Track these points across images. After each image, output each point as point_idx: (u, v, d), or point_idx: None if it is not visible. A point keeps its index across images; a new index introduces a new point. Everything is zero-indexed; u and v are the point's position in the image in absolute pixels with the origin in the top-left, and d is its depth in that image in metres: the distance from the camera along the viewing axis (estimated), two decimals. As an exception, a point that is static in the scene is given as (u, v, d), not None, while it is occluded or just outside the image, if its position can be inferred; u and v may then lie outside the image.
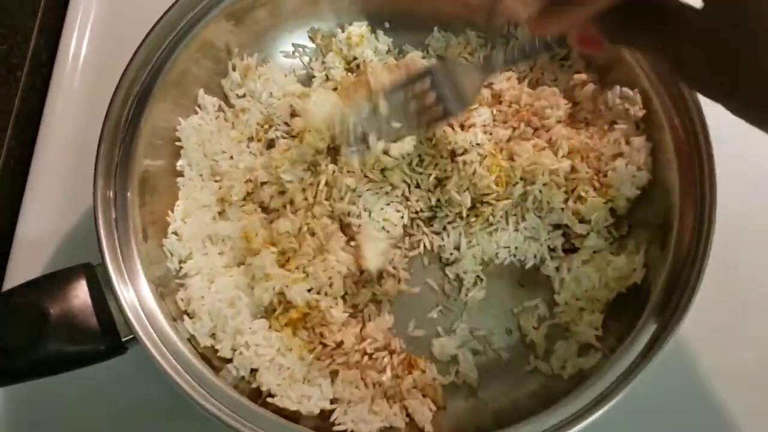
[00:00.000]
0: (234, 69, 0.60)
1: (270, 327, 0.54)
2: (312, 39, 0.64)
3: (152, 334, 0.48)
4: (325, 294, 0.55)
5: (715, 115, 0.49)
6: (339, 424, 0.50)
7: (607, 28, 0.37)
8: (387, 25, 0.63)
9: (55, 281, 0.48)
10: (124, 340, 0.48)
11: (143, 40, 0.53)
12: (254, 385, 0.51)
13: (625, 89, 0.55)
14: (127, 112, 0.52)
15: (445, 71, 0.50)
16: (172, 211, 0.55)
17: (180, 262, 0.54)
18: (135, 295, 0.48)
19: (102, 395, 0.56)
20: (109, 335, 0.47)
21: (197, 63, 0.57)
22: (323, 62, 0.63)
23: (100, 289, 0.48)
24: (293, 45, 0.64)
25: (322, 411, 0.51)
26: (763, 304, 0.58)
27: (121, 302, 0.47)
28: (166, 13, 0.54)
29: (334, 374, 0.53)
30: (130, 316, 0.47)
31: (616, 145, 0.55)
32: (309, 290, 0.54)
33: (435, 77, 0.50)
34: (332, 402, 0.52)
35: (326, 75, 0.63)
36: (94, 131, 0.51)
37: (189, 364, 0.48)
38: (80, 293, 0.48)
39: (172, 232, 0.55)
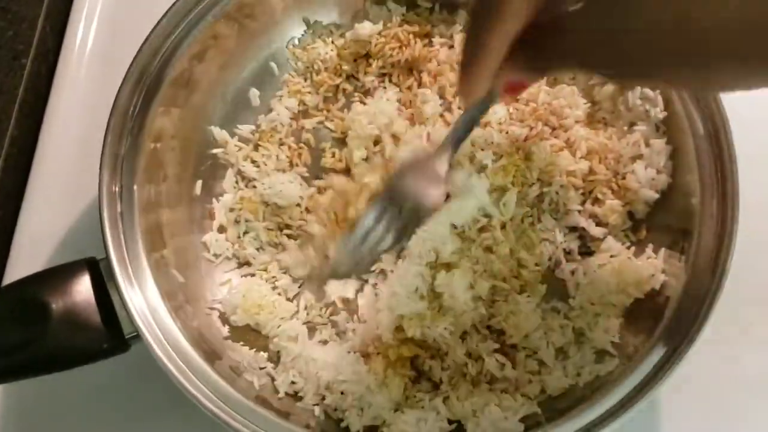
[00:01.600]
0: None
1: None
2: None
3: (156, 331, 0.46)
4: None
5: (738, 118, 0.49)
6: None
7: (521, 65, 0.38)
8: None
9: (58, 276, 0.47)
10: (127, 337, 0.46)
11: (153, 29, 0.52)
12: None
13: (646, 90, 0.54)
14: (135, 102, 0.51)
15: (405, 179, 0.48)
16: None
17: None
18: (139, 291, 0.47)
19: (104, 393, 0.55)
20: (111, 332, 0.46)
21: (207, 54, 0.56)
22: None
23: (104, 285, 0.47)
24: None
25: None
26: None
27: (125, 298, 0.46)
28: (173, 4, 0.52)
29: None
30: (134, 312, 0.46)
31: (635, 147, 0.54)
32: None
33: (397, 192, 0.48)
34: (451, 422, 0.50)
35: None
36: (100, 122, 0.50)
37: (193, 362, 0.46)
38: (83, 288, 0.47)
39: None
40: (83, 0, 0.67)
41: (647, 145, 0.54)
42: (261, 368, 0.52)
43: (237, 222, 0.57)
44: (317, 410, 0.51)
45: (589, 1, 0.34)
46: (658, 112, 0.53)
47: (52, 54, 0.66)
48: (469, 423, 0.49)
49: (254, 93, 0.60)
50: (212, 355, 0.49)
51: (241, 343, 0.54)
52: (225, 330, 0.54)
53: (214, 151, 0.58)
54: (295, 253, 0.56)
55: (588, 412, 0.44)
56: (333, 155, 0.59)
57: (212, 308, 0.54)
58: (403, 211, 0.47)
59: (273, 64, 0.61)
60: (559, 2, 0.35)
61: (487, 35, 0.36)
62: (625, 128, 0.56)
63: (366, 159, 0.57)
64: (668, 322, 0.47)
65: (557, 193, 0.55)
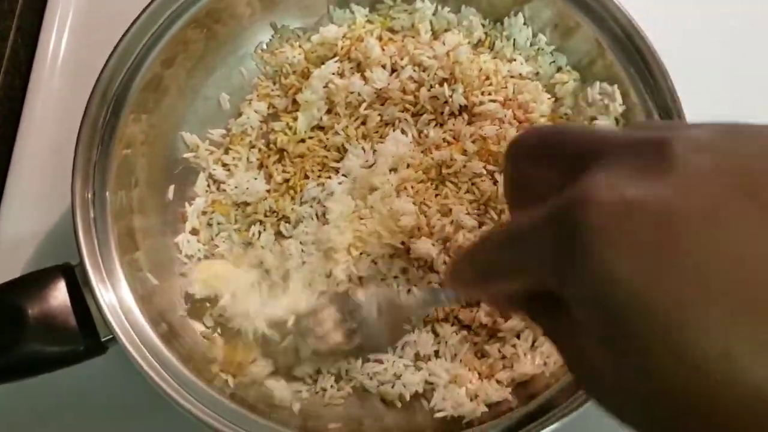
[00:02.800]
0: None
1: None
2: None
3: (131, 333, 0.47)
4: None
5: (695, 111, 0.50)
6: None
7: (511, 300, 0.32)
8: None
9: (33, 282, 0.48)
10: (103, 340, 0.47)
11: (122, 37, 0.53)
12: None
13: (605, 85, 0.56)
14: (105, 111, 0.52)
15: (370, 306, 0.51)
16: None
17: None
18: (114, 294, 0.48)
19: (82, 395, 0.56)
20: (88, 335, 0.47)
21: (175, 61, 0.57)
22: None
23: (79, 289, 0.48)
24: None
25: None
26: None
27: (100, 302, 0.47)
28: (142, 12, 0.53)
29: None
30: (109, 315, 0.47)
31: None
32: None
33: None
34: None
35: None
36: (74, 131, 0.51)
37: (168, 362, 0.47)
38: (59, 294, 0.47)
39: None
40: (54, 12, 0.68)
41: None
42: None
43: (210, 225, 0.58)
44: (296, 407, 0.52)
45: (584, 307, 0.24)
46: (617, 106, 0.55)
47: (24, 66, 0.67)
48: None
49: (224, 97, 0.61)
50: (187, 355, 0.50)
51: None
52: (199, 329, 0.55)
53: (186, 155, 0.59)
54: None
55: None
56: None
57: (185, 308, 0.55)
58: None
59: (243, 69, 0.62)
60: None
61: (481, 279, 0.31)
62: (586, 123, 0.57)
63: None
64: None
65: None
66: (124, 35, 0.53)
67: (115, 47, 0.53)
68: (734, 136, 0.24)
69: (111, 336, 0.47)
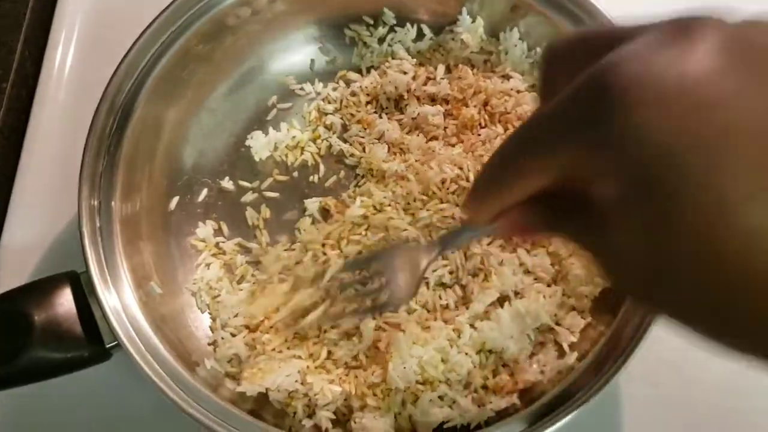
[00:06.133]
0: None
1: None
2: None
3: (136, 339, 0.48)
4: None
5: None
6: None
7: (532, 216, 0.32)
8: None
9: (40, 289, 0.49)
10: (108, 346, 0.48)
11: (128, 50, 0.54)
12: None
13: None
14: (111, 122, 0.53)
15: (390, 257, 0.49)
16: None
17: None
18: (119, 301, 0.49)
19: (86, 401, 0.56)
20: (93, 342, 0.48)
21: (181, 74, 0.58)
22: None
23: (85, 297, 0.49)
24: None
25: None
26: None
27: (105, 309, 0.48)
28: (149, 25, 0.55)
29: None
30: (114, 322, 0.48)
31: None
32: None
33: (379, 264, 0.49)
34: None
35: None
36: (80, 141, 0.52)
37: (172, 368, 0.48)
38: (65, 301, 0.48)
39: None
40: (61, 25, 0.69)
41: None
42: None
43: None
44: (300, 412, 0.52)
45: (629, 197, 0.25)
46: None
47: (31, 78, 0.68)
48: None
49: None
50: (192, 363, 0.51)
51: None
52: (204, 338, 0.55)
53: (190, 166, 0.60)
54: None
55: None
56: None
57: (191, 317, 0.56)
58: (371, 283, 0.49)
59: (247, 82, 0.63)
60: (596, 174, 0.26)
61: (508, 176, 0.30)
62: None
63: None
64: (625, 312, 0.49)
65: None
66: (131, 48, 0.54)
67: (122, 59, 0.54)
68: (753, 22, 0.25)
69: (116, 342, 0.48)
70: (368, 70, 0.64)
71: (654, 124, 0.23)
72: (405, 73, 0.62)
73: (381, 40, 0.64)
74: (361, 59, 0.64)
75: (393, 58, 0.63)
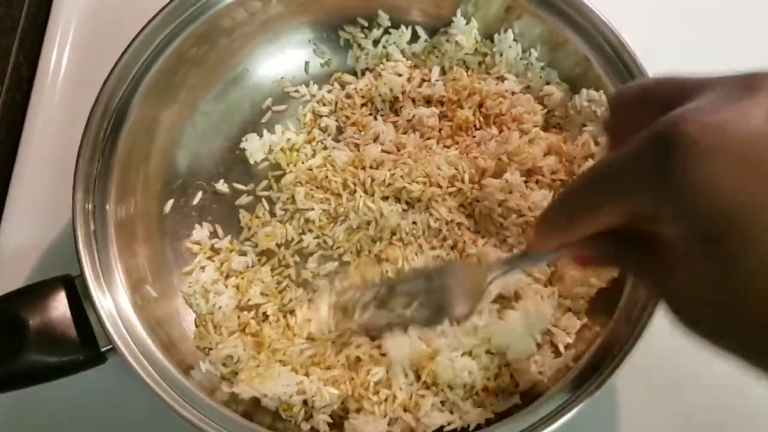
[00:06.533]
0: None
1: None
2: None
3: (130, 343, 0.48)
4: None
5: None
6: None
7: (596, 249, 0.35)
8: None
9: (35, 293, 0.49)
10: (103, 350, 0.48)
11: (122, 54, 0.54)
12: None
13: (591, 92, 0.57)
14: (105, 125, 0.53)
15: (453, 272, 0.50)
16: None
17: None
18: (114, 305, 0.49)
19: (83, 404, 0.56)
20: (88, 345, 0.48)
21: (176, 77, 0.58)
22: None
23: (80, 300, 0.49)
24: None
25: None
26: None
27: (100, 312, 0.48)
28: (143, 28, 0.55)
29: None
30: (108, 326, 0.48)
31: (586, 146, 0.57)
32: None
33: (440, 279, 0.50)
34: None
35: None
36: (75, 145, 0.52)
37: (167, 371, 0.48)
38: (59, 304, 0.48)
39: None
40: (56, 29, 0.69)
41: (596, 143, 0.56)
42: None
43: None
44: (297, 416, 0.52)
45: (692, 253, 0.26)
46: (605, 111, 0.56)
47: (26, 82, 0.68)
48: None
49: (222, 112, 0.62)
50: (187, 366, 0.51)
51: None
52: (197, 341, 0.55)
53: (184, 169, 0.60)
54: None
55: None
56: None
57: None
58: (428, 298, 0.49)
59: (241, 85, 0.63)
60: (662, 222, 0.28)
61: (580, 213, 0.32)
62: (577, 131, 0.58)
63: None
64: (621, 312, 0.49)
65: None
66: (125, 51, 0.54)
67: (117, 63, 0.54)
68: None
69: (110, 346, 0.48)
70: (363, 72, 0.64)
71: (722, 179, 0.24)
72: (400, 75, 0.62)
73: (376, 42, 0.64)
74: (356, 61, 0.64)
75: (388, 60, 0.63)
